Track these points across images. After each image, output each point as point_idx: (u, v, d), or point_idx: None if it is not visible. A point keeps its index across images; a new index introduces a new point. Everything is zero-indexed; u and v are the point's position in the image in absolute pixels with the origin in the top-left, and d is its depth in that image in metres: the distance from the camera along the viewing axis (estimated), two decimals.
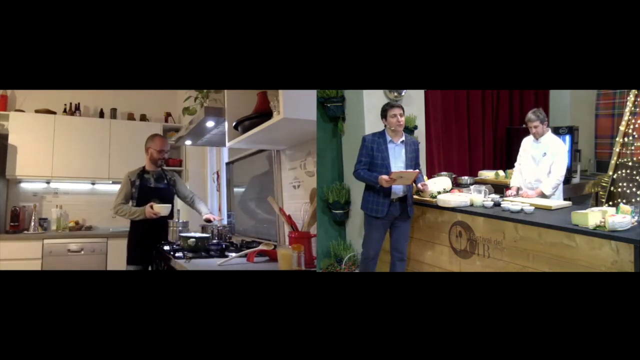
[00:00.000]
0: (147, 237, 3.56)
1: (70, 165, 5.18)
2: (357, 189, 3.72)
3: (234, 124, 2.92)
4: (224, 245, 3.05)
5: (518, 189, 3.53)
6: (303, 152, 3.12)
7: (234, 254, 2.68)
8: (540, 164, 3.43)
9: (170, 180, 3.83)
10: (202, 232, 3.57)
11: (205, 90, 3.47)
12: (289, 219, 2.69)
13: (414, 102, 3.78)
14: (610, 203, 4.21)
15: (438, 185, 3.37)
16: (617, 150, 4.27)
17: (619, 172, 4.25)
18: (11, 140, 4.94)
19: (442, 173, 3.92)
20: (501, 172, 4.25)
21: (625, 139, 4.23)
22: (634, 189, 4.14)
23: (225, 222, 4.50)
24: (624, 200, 4.11)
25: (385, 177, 2.92)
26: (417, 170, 3.05)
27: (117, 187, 3.77)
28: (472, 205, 3.16)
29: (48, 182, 5.40)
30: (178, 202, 3.98)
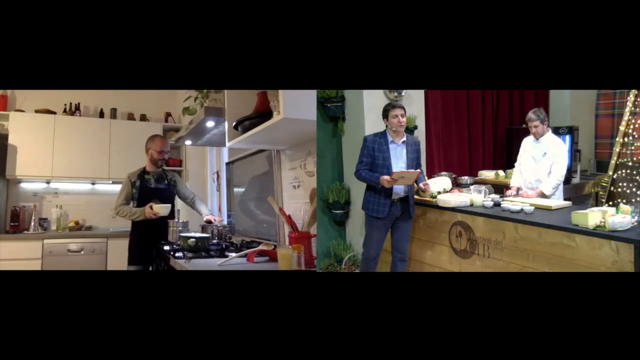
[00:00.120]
0: (147, 237, 3.57)
1: (70, 165, 5.18)
2: (357, 189, 3.72)
3: (234, 124, 2.92)
4: (224, 245, 3.05)
5: (518, 189, 3.53)
6: (303, 152, 3.11)
7: (234, 254, 2.68)
8: (541, 164, 3.43)
9: (170, 180, 3.83)
10: (202, 232, 3.57)
11: (205, 90, 3.47)
12: (289, 219, 2.69)
13: (414, 102, 3.78)
14: (610, 203, 4.21)
15: (438, 185, 3.37)
16: (617, 150, 4.27)
17: (619, 172, 4.25)
18: (11, 140, 4.94)
19: (442, 173, 3.92)
20: (501, 172, 4.25)
21: (625, 139, 4.23)
22: (634, 189, 4.14)
23: (225, 222, 4.50)
24: (624, 200, 4.11)
25: (386, 177, 2.92)
26: (419, 170, 3.05)
27: (117, 187, 3.77)
28: (472, 205, 3.16)
29: (48, 182, 5.40)
30: (178, 202, 3.98)
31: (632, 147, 4.18)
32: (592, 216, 2.47)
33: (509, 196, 3.40)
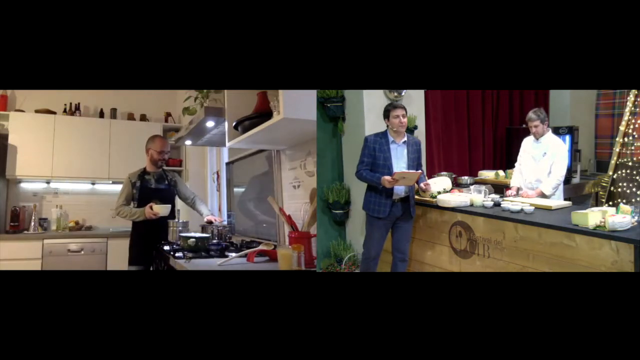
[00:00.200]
0: (148, 237, 3.57)
1: (70, 165, 5.18)
2: (357, 189, 3.72)
3: (234, 124, 2.92)
4: (224, 245, 3.05)
5: (518, 189, 3.53)
6: (303, 152, 3.11)
7: (234, 254, 2.68)
8: (541, 164, 3.43)
9: (171, 181, 3.83)
10: (202, 232, 3.57)
11: (205, 90, 3.47)
12: (289, 219, 2.69)
13: (414, 102, 3.78)
14: (610, 203, 4.21)
15: (438, 185, 3.37)
16: (617, 150, 4.27)
17: (619, 172, 4.25)
18: (11, 140, 4.94)
19: (442, 173, 3.92)
20: (501, 172, 4.25)
21: (625, 139, 4.22)
22: (634, 189, 4.14)
23: (225, 222, 4.50)
24: (624, 200, 4.11)
25: (387, 177, 2.92)
26: (420, 171, 3.06)
27: (117, 187, 3.77)
28: (472, 205, 3.16)
29: (48, 182, 5.40)
30: (178, 202, 3.98)
31: (632, 147, 4.18)
32: (592, 216, 2.47)
33: (509, 196, 3.40)
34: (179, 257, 2.68)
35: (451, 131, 4.49)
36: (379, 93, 3.69)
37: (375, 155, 3.01)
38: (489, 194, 3.27)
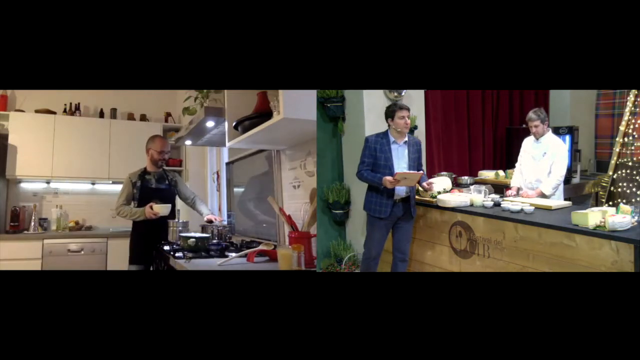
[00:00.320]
0: (148, 237, 3.58)
1: (70, 165, 5.18)
2: (357, 189, 3.72)
3: (234, 124, 2.92)
4: (224, 245, 3.05)
5: (518, 189, 3.53)
6: (303, 152, 3.11)
7: (234, 254, 2.68)
8: (540, 164, 3.43)
9: (171, 181, 3.83)
10: (202, 232, 3.57)
11: (205, 90, 3.47)
12: (289, 219, 2.69)
13: (414, 102, 3.78)
14: (610, 203, 4.21)
15: (438, 185, 3.37)
16: (617, 150, 4.26)
17: (619, 172, 4.25)
18: (11, 140, 4.94)
19: (442, 173, 3.92)
20: (501, 172, 4.25)
21: (625, 139, 4.22)
22: (634, 189, 4.14)
23: (225, 222, 4.50)
24: (624, 200, 4.10)
25: (389, 178, 2.91)
26: (421, 172, 3.06)
27: (117, 187, 3.77)
28: (472, 205, 3.16)
29: (48, 182, 5.40)
30: (178, 202, 3.98)
31: (632, 147, 4.18)
32: (592, 216, 2.47)
33: (509, 196, 3.40)
34: (179, 257, 2.68)
35: (451, 131, 4.48)
36: (379, 93, 3.69)
37: (376, 155, 3.01)
38: (489, 194, 3.27)
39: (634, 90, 4.23)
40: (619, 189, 4.23)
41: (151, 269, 3.60)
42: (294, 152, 3.25)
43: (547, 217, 2.77)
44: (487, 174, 4.32)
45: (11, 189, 5.27)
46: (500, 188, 3.84)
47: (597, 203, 4.39)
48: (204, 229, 3.75)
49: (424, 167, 3.51)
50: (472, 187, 3.40)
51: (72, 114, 5.48)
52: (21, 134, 4.99)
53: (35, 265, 4.73)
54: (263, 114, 2.61)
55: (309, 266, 2.35)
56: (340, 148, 4.01)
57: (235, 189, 4.72)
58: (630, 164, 4.17)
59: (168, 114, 5.98)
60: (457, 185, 3.93)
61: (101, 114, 5.64)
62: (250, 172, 4.21)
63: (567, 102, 5.14)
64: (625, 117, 4.24)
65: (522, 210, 2.87)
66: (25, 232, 5.05)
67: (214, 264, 2.51)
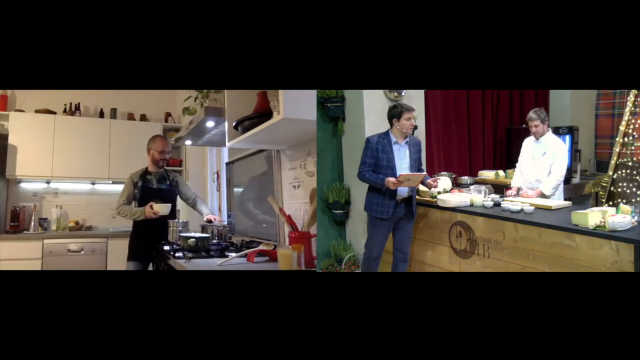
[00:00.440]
0: (148, 236, 3.58)
1: (70, 165, 5.18)
2: (357, 189, 3.71)
3: (234, 124, 2.92)
4: (224, 245, 3.05)
5: (518, 189, 3.53)
6: (303, 152, 3.11)
7: (234, 254, 2.68)
8: (540, 164, 3.43)
9: (172, 181, 3.84)
10: (202, 232, 3.57)
11: (205, 90, 3.47)
12: (289, 219, 2.69)
13: (414, 102, 3.76)
14: (610, 203, 4.21)
15: (438, 185, 3.36)
16: (617, 150, 4.26)
17: (619, 172, 4.25)
18: (11, 140, 4.94)
19: (442, 173, 3.92)
20: (501, 172, 4.25)
21: (625, 139, 4.22)
22: (634, 189, 4.14)
23: (225, 222, 4.50)
24: (624, 200, 4.10)
25: (392, 179, 2.90)
26: (425, 173, 3.06)
27: (117, 187, 3.78)
28: (472, 205, 3.16)
29: (48, 182, 5.40)
30: (178, 202, 3.98)
31: (632, 147, 4.18)
32: (592, 216, 2.47)
33: (509, 196, 3.40)
34: (179, 257, 2.68)
35: (451, 131, 4.48)
36: (379, 93, 3.68)
37: (378, 156, 2.99)
38: (489, 194, 3.27)
39: (634, 90, 4.23)
40: (619, 189, 4.23)
41: (150, 268, 3.60)
42: (294, 152, 3.25)
43: (547, 217, 2.77)
44: (487, 174, 4.32)
45: (11, 189, 5.27)
46: (500, 188, 3.85)
47: (597, 203, 4.39)
48: (204, 229, 3.75)
49: (424, 167, 3.52)
50: (472, 187, 3.40)
51: (72, 114, 5.48)
52: (21, 134, 4.99)
53: (35, 265, 4.73)
54: (263, 114, 2.61)
55: (309, 266, 2.35)
56: (340, 148, 4.01)
57: (235, 189, 4.72)
58: (630, 164, 4.17)
59: (168, 114, 5.98)
60: (457, 185, 3.93)
61: (101, 114, 5.64)
62: (250, 172, 4.21)
63: (567, 102, 5.14)
64: (625, 117, 4.24)
65: (522, 210, 2.87)
66: (25, 232, 5.05)
67: (214, 264, 2.52)
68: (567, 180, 3.97)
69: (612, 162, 4.29)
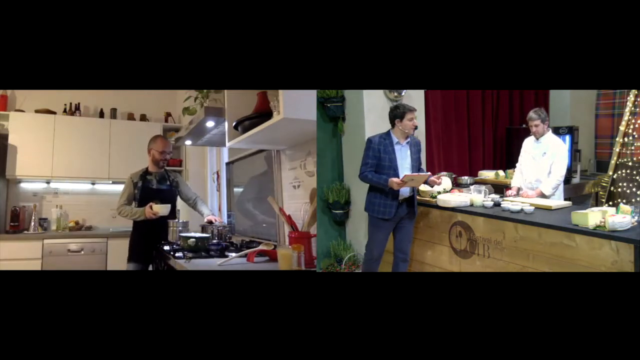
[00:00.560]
0: (148, 236, 3.58)
1: (70, 165, 5.18)
2: (357, 189, 3.71)
3: (234, 124, 2.92)
4: (224, 245, 3.05)
5: (518, 189, 3.53)
6: (303, 152, 3.11)
7: (234, 254, 2.68)
8: (540, 164, 3.43)
9: (173, 181, 3.83)
10: (202, 232, 3.57)
11: (205, 90, 3.47)
12: (289, 219, 2.69)
13: (414, 102, 3.76)
14: (610, 203, 4.21)
15: (438, 186, 3.36)
16: (617, 150, 4.27)
17: (619, 172, 4.25)
18: (11, 140, 4.94)
19: (442, 173, 3.91)
20: (501, 172, 4.25)
21: (625, 139, 4.22)
22: (634, 189, 4.14)
23: (225, 222, 4.50)
24: (624, 200, 4.11)
25: (396, 180, 2.89)
26: (429, 173, 3.06)
27: (117, 187, 3.78)
28: (472, 205, 3.16)
29: (48, 182, 5.40)
30: (178, 201, 3.98)
31: (632, 147, 4.18)
32: (592, 216, 2.47)
33: (509, 196, 3.40)
34: (179, 257, 2.68)
35: (451, 131, 4.48)
36: (379, 93, 3.68)
37: (380, 156, 2.97)
38: (489, 194, 3.27)
39: (634, 90, 4.23)
40: (619, 189, 4.23)
41: (150, 268, 3.60)
42: (294, 152, 3.25)
43: (547, 217, 2.77)
44: (487, 174, 4.32)
45: (11, 189, 5.27)
46: (500, 188, 3.85)
47: (597, 203, 4.39)
48: (204, 229, 3.75)
49: (424, 167, 3.52)
50: (472, 187, 3.40)
51: (72, 114, 5.48)
52: (21, 134, 4.99)
53: (35, 265, 4.73)
54: (263, 114, 2.61)
55: (309, 266, 2.35)
56: (340, 148, 4.01)
57: (235, 189, 4.72)
58: (630, 164, 4.18)
59: (168, 114, 5.98)
60: (457, 185, 3.94)
61: (101, 114, 5.64)
62: (250, 172, 4.21)
63: (567, 102, 5.14)
64: (625, 117, 4.24)
65: (522, 210, 2.87)
66: (25, 232, 5.05)
67: (214, 264, 2.52)
68: (567, 180, 3.97)
69: (612, 162, 4.29)
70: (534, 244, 2.71)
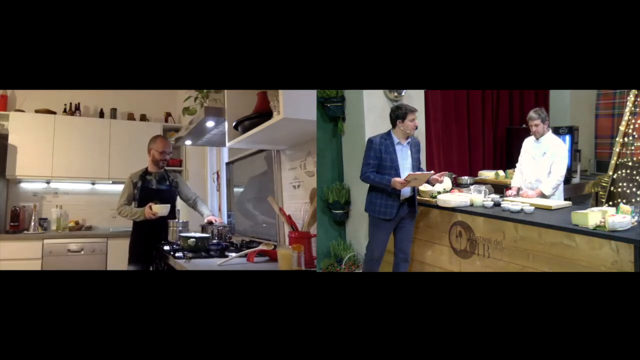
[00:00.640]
0: (148, 237, 3.58)
1: (70, 165, 5.18)
2: (357, 189, 3.71)
3: (234, 124, 2.92)
4: (224, 245, 3.05)
5: (518, 189, 3.53)
6: (303, 152, 3.11)
7: (234, 254, 2.68)
8: (540, 164, 3.43)
9: (172, 182, 3.83)
10: (202, 232, 3.57)
11: (205, 90, 3.47)
12: (289, 219, 2.69)
13: (414, 102, 3.76)
14: (610, 203, 4.21)
15: (438, 185, 3.35)
16: (617, 150, 4.27)
17: (619, 172, 4.25)
18: (11, 140, 4.94)
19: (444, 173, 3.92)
20: (501, 172, 4.25)
21: (625, 139, 4.22)
22: (634, 189, 4.14)
23: (225, 222, 4.50)
24: (624, 200, 4.11)
25: (399, 179, 2.89)
26: (432, 172, 3.05)
27: (117, 187, 3.78)
28: (472, 205, 3.16)
29: (48, 182, 5.40)
30: (178, 202, 3.98)
31: (632, 147, 4.18)
32: (592, 216, 2.47)
33: (509, 196, 3.40)
34: (179, 257, 2.68)
35: (451, 131, 4.48)
36: (379, 93, 3.68)
37: (381, 157, 2.97)
38: (489, 194, 3.27)
39: (634, 90, 4.23)
40: (619, 189, 4.23)
41: (151, 269, 3.60)
42: (294, 152, 3.25)
43: (547, 217, 2.77)
44: (487, 174, 4.32)
45: (11, 189, 5.27)
46: (500, 188, 3.85)
47: (597, 203, 4.39)
48: (203, 229, 3.75)
49: (424, 167, 3.52)
50: (472, 187, 3.40)
51: (72, 114, 5.48)
52: (21, 134, 4.98)
53: (35, 265, 4.73)
54: (263, 114, 2.61)
55: (309, 266, 2.35)
56: (340, 148, 4.01)
57: (235, 189, 4.72)
58: (630, 164, 4.18)
59: (168, 114, 5.98)
60: (457, 185, 3.94)
61: (101, 114, 5.64)
62: (250, 172, 4.21)
63: (567, 102, 5.14)
64: (625, 117, 4.24)
65: (522, 210, 2.87)
66: (25, 232, 5.05)
67: (214, 264, 2.52)
68: (567, 180, 3.97)
69: (612, 162, 4.29)
70: (534, 244, 2.71)
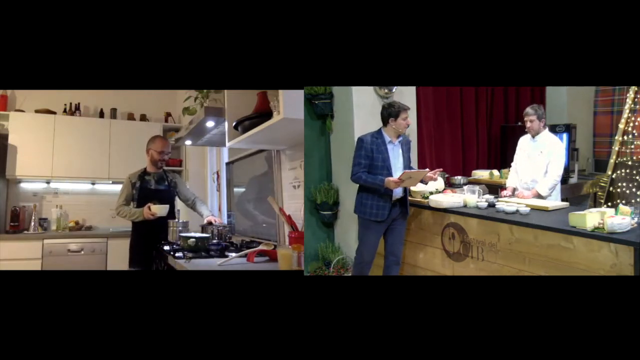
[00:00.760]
0: (148, 237, 3.58)
1: (70, 165, 5.19)
2: (346, 190, 3.60)
3: (234, 124, 2.93)
4: (224, 245, 3.06)
5: (514, 189, 3.45)
6: (303, 152, 3.12)
7: (234, 254, 2.69)
8: (536, 163, 3.34)
9: (171, 182, 3.84)
10: (202, 232, 3.57)
11: (205, 90, 3.47)
12: (289, 219, 2.70)
13: (405, 98, 3.53)
14: (609, 204, 4.18)
15: (430, 186, 3.26)
16: (616, 149, 4.23)
17: (618, 172, 4.22)
18: (11, 140, 4.95)
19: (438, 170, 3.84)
20: (496, 172, 4.16)
21: (625, 138, 4.20)
22: (633, 189, 4.12)
23: (225, 222, 4.51)
24: (624, 201, 4.08)
25: (393, 179, 2.82)
26: (427, 169, 2.94)
27: (117, 187, 3.78)
28: (465, 206, 3.07)
29: (48, 182, 5.40)
30: (178, 202, 3.99)
31: (632, 146, 4.15)
32: (590, 217, 2.40)
33: (504, 197, 3.31)
34: (179, 257, 2.69)
35: (443, 129, 4.35)
36: (369, 90, 3.53)
37: (372, 156, 2.88)
38: (483, 195, 3.20)
39: (633, 87, 4.19)
40: (618, 189, 4.21)
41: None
42: (294, 152, 3.26)
43: (544, 218, 2.70)
44: (481, 174, 4.24)
45: (11, 189, 5.27)
46: (494, 188, 3.77)
47: (596, 204, 4.35)
48: (203, 229, 3.75)
49: (415, 167, 3.45)
50: (465, 187, 3.31)
51: (72, 114, 5.48)
52: (21, 134, 4.99)
53: (35, 265, 4.73)
54: (263, 114, 2.62)
55: None
56: (329, 146, 3.84)
57: (235, 189, 4.72)
58: (629, 163, 4.15)
59: (168, 114, 5.99)
60: (450, 185, 3.85)
61: (101, 114, 5.64)
62: (250, 172, 4.21)
63: (564, 99, 5.01)
64: (625, 115, 4.20)
65: (517, 211, 2.79)
66: (25, 232, 5.05)
67: (214, 264, 2.52)
68: (564, 180, 3.92)
69: (611, 161, 4.26)
70: (529, 247, 2.65)
